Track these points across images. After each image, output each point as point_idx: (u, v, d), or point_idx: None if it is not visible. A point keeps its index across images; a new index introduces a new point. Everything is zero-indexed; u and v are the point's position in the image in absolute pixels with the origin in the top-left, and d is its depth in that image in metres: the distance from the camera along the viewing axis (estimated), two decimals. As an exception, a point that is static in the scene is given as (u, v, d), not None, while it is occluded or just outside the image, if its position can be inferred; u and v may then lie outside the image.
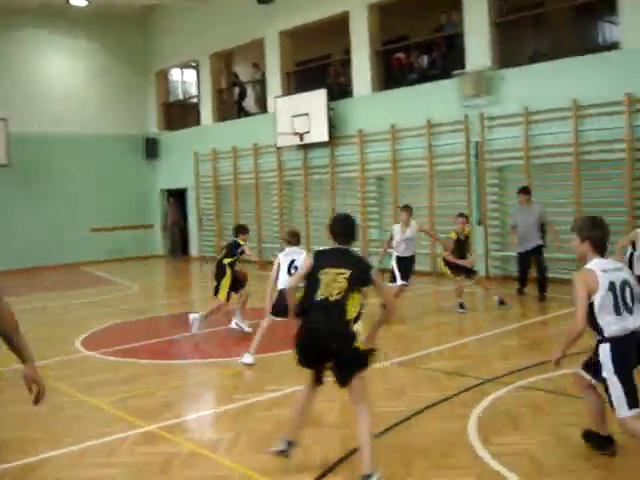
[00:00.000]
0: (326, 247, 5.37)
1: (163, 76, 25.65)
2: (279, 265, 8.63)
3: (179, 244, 25.02)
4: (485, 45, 15.54)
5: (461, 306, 11.67)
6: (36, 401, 3.86)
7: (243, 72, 23.61)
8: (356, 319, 5.02)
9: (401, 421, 6.23)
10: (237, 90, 23.28)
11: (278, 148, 19.99)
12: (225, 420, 6.67)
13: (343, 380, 4.99)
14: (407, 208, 11.75)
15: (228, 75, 23.73)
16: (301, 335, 5.05)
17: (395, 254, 11.47)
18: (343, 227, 5.34)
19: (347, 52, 18.92)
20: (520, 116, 14.81)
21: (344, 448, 5.56)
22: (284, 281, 8.37)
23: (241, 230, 10.63)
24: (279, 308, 8.11)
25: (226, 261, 10.40)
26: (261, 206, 21.26)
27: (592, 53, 14.38)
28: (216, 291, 10.53)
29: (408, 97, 17.05)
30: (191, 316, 10.50)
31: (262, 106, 21.80)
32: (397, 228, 11.58)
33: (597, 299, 4.77)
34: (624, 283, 4.83)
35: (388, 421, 6.17)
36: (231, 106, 23.32)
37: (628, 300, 4.81)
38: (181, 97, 26.68)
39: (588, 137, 13.94)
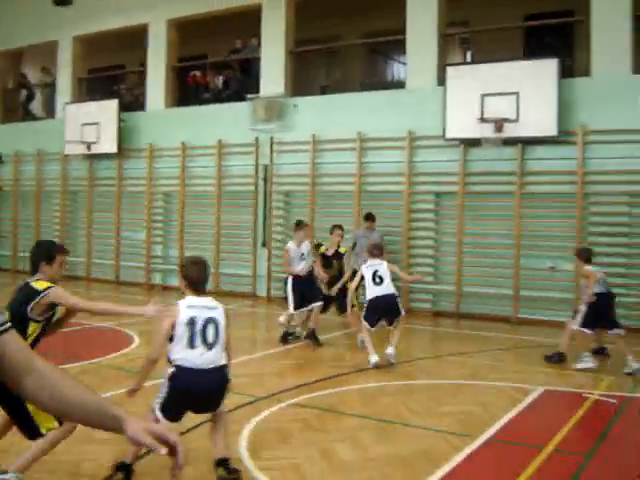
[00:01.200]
0: None
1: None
2: (362, 276, 9.51)
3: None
4: (280, 72, 15.99)
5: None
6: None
7: (32, 74, 22.61)
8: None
9: (173, 436, 6.21)
10: (24, 92, 22.27)
11: (65, 156, 19.32)
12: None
13: None
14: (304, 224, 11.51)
15: (15, 75, 22.63)
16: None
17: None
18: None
19: (143, 64, 18.71)
20: (308, 144, 15.34)
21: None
22: (373, 290, 9.37)
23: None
24: (371, 317, 9.31)
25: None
26: (41, 215, 20.40)
27: (380, 89, 15.25)
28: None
29: (201, 116, 17.14)
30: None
31: (50, 111, 21.01)
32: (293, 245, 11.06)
33: (176, 331, 5.06)
34: (209, 320, 5.12)
35: (160, 436, 6.13)
36: (16, 108, 22.24)
37: (209, 337, 5.09)
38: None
39: (370, 168, 14.71)
